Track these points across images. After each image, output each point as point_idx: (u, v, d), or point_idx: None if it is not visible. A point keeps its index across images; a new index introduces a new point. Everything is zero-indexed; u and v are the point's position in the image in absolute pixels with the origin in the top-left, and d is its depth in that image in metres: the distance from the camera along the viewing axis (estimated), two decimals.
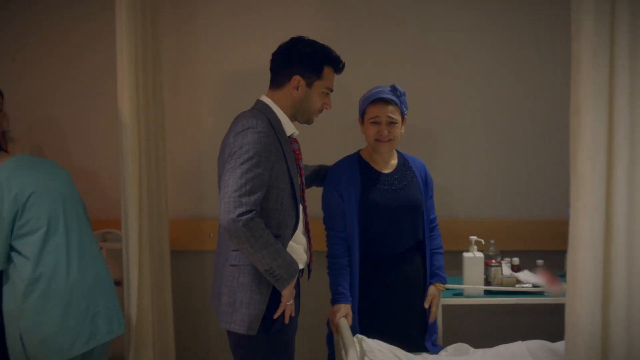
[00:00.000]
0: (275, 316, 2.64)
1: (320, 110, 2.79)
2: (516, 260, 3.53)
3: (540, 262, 3.49)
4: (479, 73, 3.78)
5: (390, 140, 3.01)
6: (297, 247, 2.78)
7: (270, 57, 2.77)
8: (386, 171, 3.09)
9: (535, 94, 3.75)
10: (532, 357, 2.84)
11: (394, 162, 3.12)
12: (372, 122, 2.99)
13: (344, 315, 2.93)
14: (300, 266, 2.76)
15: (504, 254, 3.57)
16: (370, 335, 2.92)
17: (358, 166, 3.07)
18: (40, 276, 2.73)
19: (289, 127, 2.75)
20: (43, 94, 3.92)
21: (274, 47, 2.76)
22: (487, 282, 3.39)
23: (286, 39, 2.76)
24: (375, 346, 2.84)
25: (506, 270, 3.44)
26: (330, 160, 3.17)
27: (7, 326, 2.78)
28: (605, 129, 1.83)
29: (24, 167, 2.83)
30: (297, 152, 2.82)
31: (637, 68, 1.81)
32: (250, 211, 2.48)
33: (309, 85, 2.72)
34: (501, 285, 3.37)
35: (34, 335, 2.73)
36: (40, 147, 3.64)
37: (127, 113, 3.08)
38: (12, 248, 2.77)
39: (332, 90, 2.78)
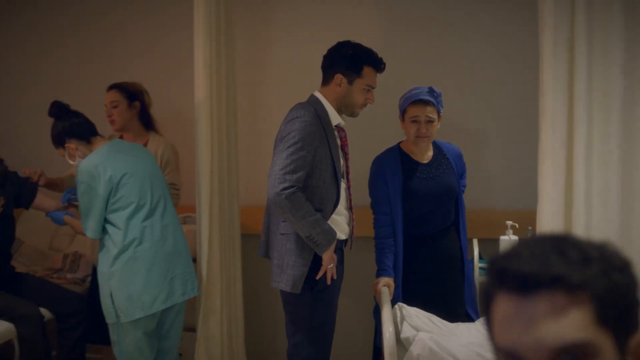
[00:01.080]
0: (318, 277, 3.08)
1: (364, 105, 3.21)
2: None
3: None
4: (511, 72, 4.14)
5: (428, 136, 3.42)
6: (340, 220, 3.21)
7: None
8: (424, 161, 3.48)
9: None
10: None
11: (430, 153, 3.51)
12: (413, 121, 3.40)
13: (384, 284, 3.34)
14: (342, 237, 3.22)
15: None
16: (412, 305, 3.32)
17: (399, 157, 3.46)
18: (129, 244, 3.24)
19: (335, 118, 3.19)
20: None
21: None
22: None
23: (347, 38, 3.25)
24: (413, 312, 3.22)
25: None
26: (373, 149, 3.59)
27: (100, 285, 3.30)
28: (565, 105, 2.20)
29: (117, 151, 3.36)
30: (343, 140, 3.25)
31: (595, 53, 2.18)
32: (292, 187, 2.96)
33: (350, 82, 3.15)
34: None
35: (122, 293, 3.23)
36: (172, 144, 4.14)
37: (202, 107, 3.57)
38: (106, 220, 3.28)
39: (373, 87, 3.18)
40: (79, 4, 4.68)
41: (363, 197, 3.53)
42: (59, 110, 3.43)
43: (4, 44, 4.83)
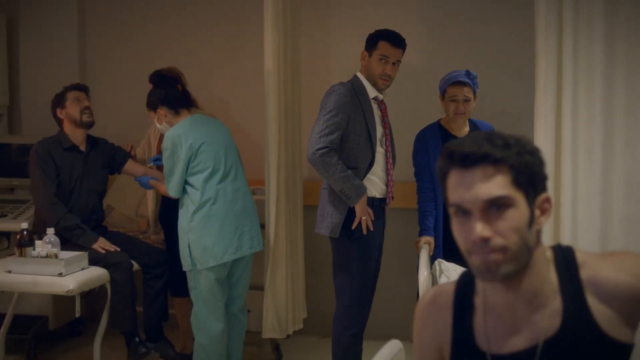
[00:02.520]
0: (353, 226, 3.59)
1: (383, 75, 3.66)
2: None
3: None
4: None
5: (464, 113, 3.86)
6: (376, 180, 3.70)
7: None
8: (461, 136, 3.92)
9: None
10: None
11: (467, 128, 3.93)
12: (452, 100, 3.83)
13: (425, 242, 3.78)
14: (377, 195, 3.71)
15: None
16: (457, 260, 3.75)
17: (439, 133, 3.90)
18: (205, 202, 3.77)
19: (372, 92, 3.68)
20: (207, 73, 5.08)
21: None
22: None
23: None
24: (451, 267, 3.63)
25: None
26: (418, 126, 4.06)
27: (180, 237, 3.84)
28: (554, 74, 2.62)
29: (197, 124, 3.90)
30: (384, 111, 3.76)
31: (580, 36, 2.60)
32: (326, 147, 3.49)
33: (370, 55, 3.66)
34: None
35: (198, 244, 3.77)
36: (212, 114, 4.66)
37: (270, 93, 4.09)
38: (186, 182, 3.82)
39: (387, 57, 3.62)
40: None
41: (405, 172, 4.03)
42: (158, 79, 4.01)
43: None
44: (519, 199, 1.44)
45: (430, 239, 3.79)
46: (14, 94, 5.43)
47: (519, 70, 4.46)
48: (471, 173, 1.44)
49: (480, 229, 1.42)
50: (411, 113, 4.53)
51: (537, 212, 1.48)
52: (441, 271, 3.61)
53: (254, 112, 4.82)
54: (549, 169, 2.71)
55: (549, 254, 1.55)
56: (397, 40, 3.65)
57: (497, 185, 1.43)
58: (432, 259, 3.69)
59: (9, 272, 3.72)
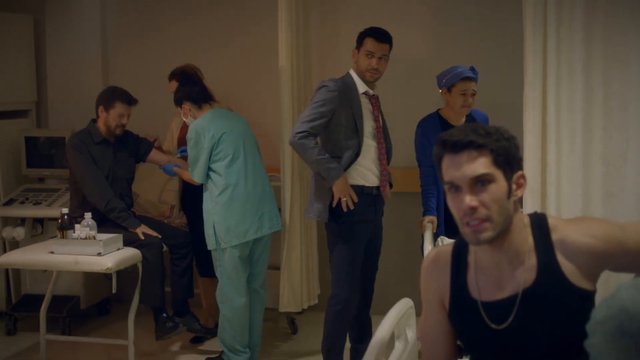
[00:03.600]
0: (334, 205, 3.87)
1: (370, 69, 3.88)
2: None
3: None
4: None
5: (470, 106, 4.22)
6: (363, 170, 3.92)
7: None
8: (458, 123, 4.29)
9: None
10: None
11: (464, 118, 4.31)
12: (461, 94, 4.20)
13: (429, 221, 4.16)
14: (366, 184, 3.93)
15: None
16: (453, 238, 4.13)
17: (439, 121, 4.26)
18: (227, 186, 4.15)
19: (361, 87, 3.92)
20: (225, 71, 5.46)
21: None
22: None
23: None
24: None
25: None
26: (412, 114, 4.44)
27: (205, 219, 4.22)
28: (541, 71, 3.00)
29: (218, 116, 4.27)
30: (374, 104, 3.97)
31: (562, 38, 2.98)
32: (304, 132, 3.76)
33: (359, 52, 3.91)
34: None
35: (222, 225, 4.14)
36: (229, 107, 5.02)
37: (284, 89, 4.51)
38: (209, 169, 4.19)
39: (372, 52, 3.84)
40: None
41: (402, 158, 4.47)
42: (183, 78, 4.40)
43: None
44: (499, 175, 1.82)
45: (434, 218, 4.16)
46: (41, 91, 5.81)
47: (513, 66, 4.82)
48: (459, 156, 1.83)
49: (468, 199, 1.79)
50: (406, 105, 4.93)
51: (514, 186, 1.87)
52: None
53: (268, 106, 5.21)
54: (537, 152, 3.11)
55: (526, 220, 1.93)
56: (381, 36, 3.88)
57: (480, 165, 1.81)
58: (435, 236, 4.07)
59: (52, 252, 4.09)
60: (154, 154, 4.69)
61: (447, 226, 4.18)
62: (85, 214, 4.16)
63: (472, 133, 1.81)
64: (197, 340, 4.83)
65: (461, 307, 1.95)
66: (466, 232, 1.83)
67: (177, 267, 4.48)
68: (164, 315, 4.36)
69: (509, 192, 1.84)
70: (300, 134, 3.78)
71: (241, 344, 4.26)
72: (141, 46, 5.72)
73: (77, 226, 4.12)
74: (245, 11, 5.49)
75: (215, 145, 4.16)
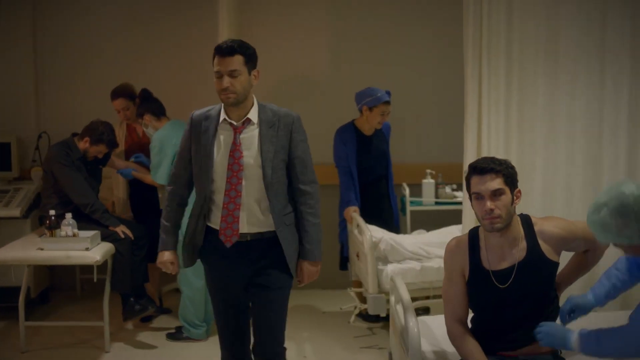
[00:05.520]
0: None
1: (221, 90, 3.17)
2: (454, 186, 5.84)
3: None
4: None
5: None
6: (216, 211, 3.32)
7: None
8: (369, 134, 5.34)
9: None
10: (460, 232, 5.15)
11: (374, 130, 5.40)
12: (381, 114, 5.20)
13: (354, 211, 5.18)
14: (213, 226, 3.33)
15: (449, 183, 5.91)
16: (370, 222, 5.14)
17: (354, 130, 5.33)
18: None
19: (222, 115, 3.27)
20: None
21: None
22: (437, 196, 5.74)
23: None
24: (373, 228, 5.08)
25: (448, 190, 5.77)
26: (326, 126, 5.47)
27: None
28: (478, 62, 3.99)
29: (177, 127, 5.02)
30: (235, 135, 3.24)
31: (492, 58, 3.99)
32: (168, 185, 3.54)
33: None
34: (445, 198, 5.74)
35: (186, 219, 4.93)
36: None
37: None
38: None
39: (217, 72, 3.17)
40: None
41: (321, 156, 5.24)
42: (145, 94, 5.16)
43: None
44: (507, 190, 2.90)
45: (357, 208, 5.20)
46: None
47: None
48: (484, 177, 2.88)
49: (489, 204, 2.84)
50: (324, 117, 5.89)
51: (514, 197, 2.95)
52: (369, 230, 5.04)
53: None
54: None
55: (518, 219, 3.01)
56: (223, 50, 3.18)
57: (497, 183, 2.87)
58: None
59: (41, 249, 4.71)
60: (112, 160, 5.37)
61: (364, 213, 5.21)
62: (66, 214, 4.80)
63: (492, 163, 2.87)
64: (147, 319, 5.57)
65: (477, 274, 2.99)
66: (485, 224, 2.88)
67: (136, 256, 5.19)
68: (132, 299, 5.08)
69: (512, 201, 2.91)
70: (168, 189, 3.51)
71: (199, 319, 5.10)
72: (67, 55, 6.29)
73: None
74: (183, 27, 6.23)
75: (178, 152, 4.92)
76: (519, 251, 2.97)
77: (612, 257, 3.14)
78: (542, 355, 2.97)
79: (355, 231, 5.04)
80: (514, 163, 3.05)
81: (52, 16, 6.23)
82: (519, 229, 2.99)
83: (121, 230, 5.00)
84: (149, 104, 5.14)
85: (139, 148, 5.57)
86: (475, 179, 2.91)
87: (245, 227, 3.27)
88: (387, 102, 5.20)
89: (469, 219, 4.04)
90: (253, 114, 3.28)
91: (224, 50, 3.18)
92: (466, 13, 4.01)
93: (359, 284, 5.23)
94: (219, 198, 3.28)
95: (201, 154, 3.29)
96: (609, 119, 4.06)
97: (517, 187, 2.96)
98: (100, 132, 5.09)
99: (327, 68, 6.15)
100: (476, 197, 2.91)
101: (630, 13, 4.00)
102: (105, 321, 4.91)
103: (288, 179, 3.35)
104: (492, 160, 2.92)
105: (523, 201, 3.33)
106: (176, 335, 5.17)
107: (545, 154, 4.01)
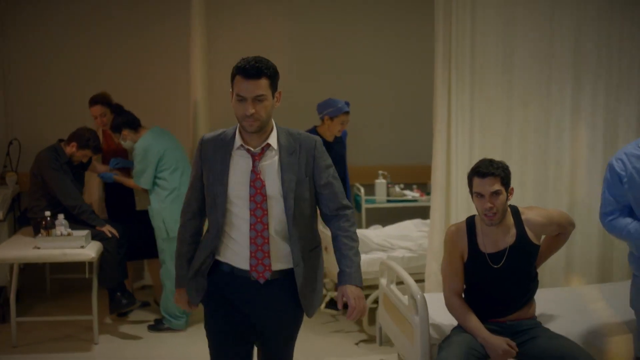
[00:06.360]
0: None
1: (245, 117, 2.86)
2: (401, 186, 6.50)
3: (414, 186, 6.52)
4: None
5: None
6: (231, 245, 3.03)
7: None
8: (330, 140, 5.86)
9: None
10: (415, 226, 5.79)
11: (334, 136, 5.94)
12: (341, 123, 5.74)
13: None
14: (239, 265, 3.02)
15: (397, 182, 6.57)
16: None
17: (317, 136, 5.84)
18: (173, 189, 5.35)
19: (238, 140, 2.97)
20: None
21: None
22: (388, 195, 6.39)
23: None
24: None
25: (397, 189, 6.43)
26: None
27: (154, 217, 5.39)
28: (446, 98, 4.62)
29: (158, 135, 5.44)
30: (254, 163, 2.95)
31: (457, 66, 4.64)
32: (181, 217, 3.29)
33: (232, 95, 2.91)
34: (395, 196, 6.40)
35: (171, 219, 5.32)
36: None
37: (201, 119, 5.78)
38: (157, 177, 5.37)
39: (241, 96, 2.84)
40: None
41: None
42: (119, 109, 5.49)
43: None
44: (503, 191, 3.51)
45: None
46: None
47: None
48: (485, 179, 3.48)
49: (488, 204, 3.45)
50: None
51: (509, 195, 3.56)
52: None
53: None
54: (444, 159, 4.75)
55: (509, 209, 3.63)
56: (250, 72, 2.85)
57: (495, 185, 3.48)
58: None
59: (38, 248, 5.03)
60: (94, 165, 5.73)
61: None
62: (59, 215, 5.14)
63: (491, 167, 3.48)
64: (124, 313, 5.92)
65: (475, 256, 3.60)
66: (485, 219, 3.50)
67: (118, 254, 5.57)
68: (119, 294, 5.45)
69: (507, 199, 3.53)
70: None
71: (180, 310, 5.52)
72: (38, 66, 6.58)
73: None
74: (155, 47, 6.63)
75: (161, 159, 5.36)
76: (510, 237, 3.60)
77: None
78: (525, 320, 3.62)
79: (321, 226, 5.58)
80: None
81: (19, 24, 6.51)
82: (509, 218, 3.62)
83: (107, 229, 5.37)
84: (124, 118, 5.49)
85: (115, 153, 5.93)
86: (477, 180, 3.51)
87: (272, 263, 3.00)
88: (347, 112, 5.76)
89: (439, 213, 4.73)
90: (273, 139, 3.00)
91: (249, 72, 2.85)
92: (437, 32, 4.65)
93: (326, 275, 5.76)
94: (234, 231, 3.02)
95: (214, 183, 3.01)
96: (555, 122, 4.79)
97: (510, 186, 3.58)
98: (87, 138, 5.43)
99: (288, 74, 6.62)
100: (477, 196, 3.52)
101: (574, 33, 4.73)
102: (94, 314, 5.24)
103: (318, 207, 3.13)
104: (491, 163, 3.52)
105: None
106: (157, 326, 5.57)
107: (502, 154, 4.64)
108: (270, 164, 2.98)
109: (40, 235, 5.11)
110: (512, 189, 3.61)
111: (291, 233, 2.99)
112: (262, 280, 2.99)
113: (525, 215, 3.66)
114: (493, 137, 4.74)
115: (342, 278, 3.03)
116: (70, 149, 5.42)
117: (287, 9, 6.83)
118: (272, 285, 3.02)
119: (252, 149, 2.97)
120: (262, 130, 2.95)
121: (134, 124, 5.48)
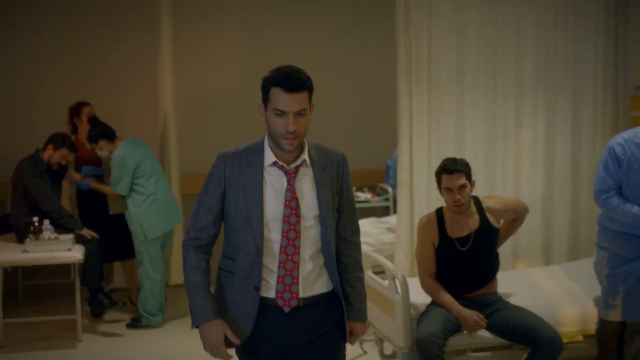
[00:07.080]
0: None
1: (285, 135, 2.63)
2: (354, 189, 6.99)
3: (365, 189, 7.08)
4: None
5: None
6: (263, 274, 2.76)
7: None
8: None
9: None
10: (371, 224, 6.32)
11: None
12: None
13: None
14: (266, 294, 2.76)
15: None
16: None
17: None
18: (149, 195, 5.73)
19: (269, 157, 2.74)
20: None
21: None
22: None
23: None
24: None
25: None
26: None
27: (132, 220, 5.75)
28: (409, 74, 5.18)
29: (134, 144, 5.80)
30: (289, 181, 2.73)
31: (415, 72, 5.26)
32: (190, 239, 2.82)
33: (266, 109, 2.69)
34: None
35: (148, 222, 5.70)
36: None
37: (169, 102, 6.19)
38: (134, 184, 5.73)
39: (280, 110, 2.62)
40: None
41: None
42: (95, 121, 5.86)
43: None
44: (468, 184, 4.08)
45: None
46: None
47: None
48: (452, 176, 4.04)
49: (457, 196, 4.00)
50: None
51: (472, 188, 4.12)
52: None
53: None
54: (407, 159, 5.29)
55: (471, 199, 4.18)
56: (289, 85, 2.62)
57: (462, 179, 4.04)
58: None
59: (27, 252, 5.34)
60: (69, 174, 6.06)
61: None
62: (44, 220, 5.46)
63: (456, 165, 4.04)
64: (99, 314, 6.24)
65: (444, 242, 4.15)
66: (454, 209, 4.05)
67: (98, 256, 5.89)
68: (100, 295, 5.78)
69: (471, 190, 4.09)
70: (185, 243, 2.85)
71: (157, 308, 5.90)
72: (14, 73, 6.88)
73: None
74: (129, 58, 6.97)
75: (138, 166, 5.73)
76: (474, 223, 4.17)
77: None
78: (489, 295, 4.21)
79: None
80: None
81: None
82: (472, 207, 4.19)
83: (87, 232, 5.71)
84: (101, 129, 5.84)
85: (88, 161, 6.26)
86: (445, 177, 4.08)
87: (300, 290, 2.77)
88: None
89: (404, 208, 5.25)
90: (306, 155, 2.77)
91: (292, 85, 2.61)
92: (399, 50, 5.20)
93: None
94: (265, 256, 2.74)
95: (247, 204, 2.73)
96: (500, 125, 5.41)
97: (472, 179, 4.14)
98: (61, 138, 5.77)
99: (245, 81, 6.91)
100: (446, 190, 4.10)
101: (514, 40, 5.37)
102: (78, 314, 5.55)
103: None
104: (456, 161, 4.10)
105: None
106: (135, 324, 5.91)
107: (456, 154, 5.19)
108: (305, 182, 2.77)
109: (28, 239, 5.40)
110: (474, 181, 4.18)
111: (325, 255, 2.80)
112: (287, 309, 2.75)
113: (486, 203, 4.24)
114: (447, 139, 5.31)
115: (352, 313, 2.89)
116: (48, 153, 5.73)
117: (245, 19, 7.28)
118: (307, 314, 2.79)
119: (286, 166, 2.74)
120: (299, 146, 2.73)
121: (110, 135, 5.83)
